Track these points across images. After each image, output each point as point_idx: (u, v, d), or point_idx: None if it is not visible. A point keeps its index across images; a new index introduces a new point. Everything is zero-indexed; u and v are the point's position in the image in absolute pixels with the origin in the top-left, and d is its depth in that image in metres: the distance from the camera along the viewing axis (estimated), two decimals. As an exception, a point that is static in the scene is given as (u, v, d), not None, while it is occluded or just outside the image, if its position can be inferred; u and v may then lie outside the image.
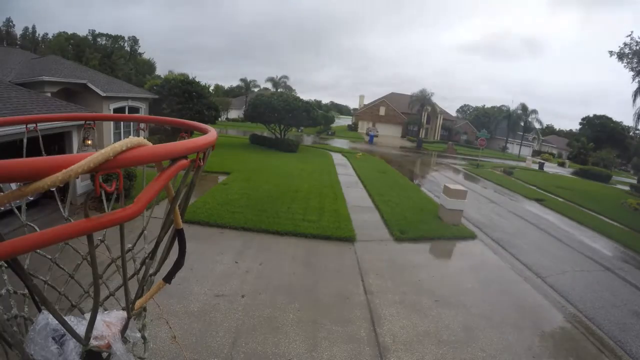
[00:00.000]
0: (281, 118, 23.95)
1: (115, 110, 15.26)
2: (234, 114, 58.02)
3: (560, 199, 18.16)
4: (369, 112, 55.21)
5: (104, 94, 13.95)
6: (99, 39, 56.57)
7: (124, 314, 1.34)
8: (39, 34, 65.56)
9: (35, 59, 16.77)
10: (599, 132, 50.96)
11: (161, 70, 66.51)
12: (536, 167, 33.54)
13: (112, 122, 14.43)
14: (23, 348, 1.14)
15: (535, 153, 51.10)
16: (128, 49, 60.51)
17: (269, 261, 7.15)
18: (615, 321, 6.47)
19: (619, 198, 21.12)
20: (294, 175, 15.40)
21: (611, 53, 23.37)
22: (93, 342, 1.19)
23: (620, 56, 22.96)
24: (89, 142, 2.05)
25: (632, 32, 22.21)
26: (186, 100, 21.57)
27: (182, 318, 5.05)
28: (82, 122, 2.00)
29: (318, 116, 27.15)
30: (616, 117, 53.52)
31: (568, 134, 65.90)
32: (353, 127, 58.40)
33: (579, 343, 5.70)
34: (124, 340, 1.35)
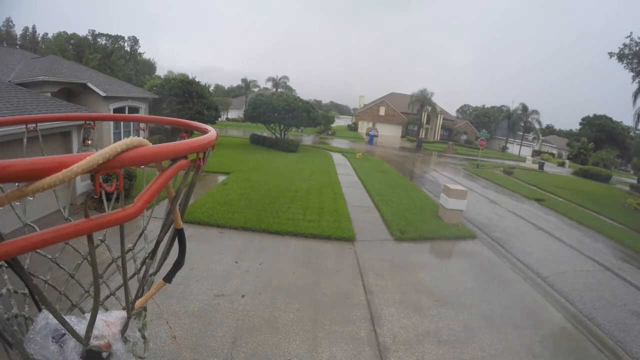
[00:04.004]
0: (281, 118, 23.97)
1: (115, 110, 15.27)
2: (234, 114, 58.06)
3: (560, 199, 18.15)
4: (369, 112, 55.25)
5: (104, 94, 13.96)
6: (99, 39, 56.60)
7: (124, 313, 1.34)
8: (39, 34, 65.70)
9: (35, 59, 16.78)
10: (599, 132, 50.99)
11: (161, 70, 66.60)
12: (536, 167, 33.54)
13: (112, 122, 14.44)
14: (23, 347, 1.14)
15: (535, 153, 51.10)
16: (128, 49, 60.54)
17: (269, 261, 7.15)
18: (615, 321, 6.47)
19: (619, 198, 21.13)
20: (294, 175, 15.40)
21: (611, 54, 23.40)
22: (93, 342, 1.19)
23: (620, 57, 22.99)
24: (89, 142, 2.05)
25: (631, 32, 22.25)
26: (186, 100, 21.59)
27: (182, 318, 5.05)
28: (82, 122, 2.01)
29: (318, 116, 27.17)
30: (616, 117, 53.54)
31: (568, 134, 65.91)
32: (353, 127, 58.41)
33: (579, 343, 5.70)
34: (124, 339, 1.35)
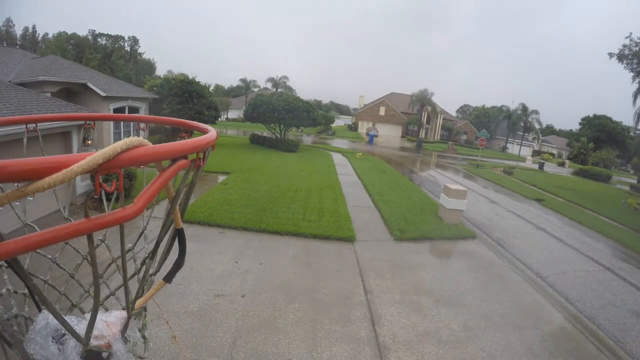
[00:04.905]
0: (281, 118, 23.97)
1: (115, 110, 15.27)
2: (234, 114, 58.05)
3: (560, 199, 18.15)
4: (369, 112, 55.25)
5: (104, 94, 13.96)
6: (99, 39, 56.55)
7: (124, 313, 1.34)
8: (39, 34, 65.70)
9: (35, 59, 16.78)
10: (599, 132, 50.95)
11: (161, 70, 66.68)
12: (536, 167, 33.54)
13: (112, 122, 14.45)
14: (23, 348, 1.14)
15: (535, 153, 51.11)
16: (128, 49, 60.49)
17: (269, 261, 7.15)
18: (615, 321, 6.47)
19: (619, 198, 21.13)
20: (294, 175, 15.40)
21: (611, 55, 23.41)
22: (93, 342, 1.19)
23: (620, 57, 22.99)
24: (89, 142, 2.05)
25: (631, 33, 22.26)
26: (186, 100, 21.59)
27: (182, 318, 5.05)
28: (82, 122, 2.01)
29: (318, 116, 27.17)
30: (616, 117, 53.47)
31: (568, 134, 65.88)
32: (353, 127, 58.42)
33: (579, 343, 5.70)
34: (124, 339, 1.35)
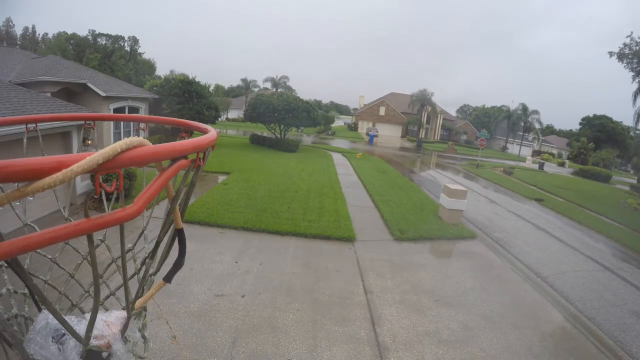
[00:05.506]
0: (281, 118, 23.97)
1: (115, 110, 15.26)
2: (234, 114, 58.07)
3: (560, 199, 18.15)
4: (369, 112, 55.25)
5: (104, 94, 13.95)
6: (99, 39, 56.52)
7: (124, 313, 1.34)
8: (39, 34, 65.74)
9: (35, 59, 16.76)
10: (599, 132, 50.92)
11: (161, 70, 66.65)
12: (536, 167, 33.53)
13: (112, 122, 14.45)
14: (23, 348, 1.14)
15: (535, 153, 51.07)
16: (128, 49, 60.45)
17: (269, 261, 7.15)
18: (615, 321, 6.47)
19: (619, 198, 21.11)
20: (294, 175, 15.40)
21: (611, 54, 23.40)
22: (93, 342, 1.19)
23: (620, 57, 22.97)
24: (89, 142, 2.05)
25: (631, 32, 22.24)
26: (186, 100, 21.59)
27: (182, 318, 5.05)
28: (82, 122, 2.01)
29: (318, 116, 27.16)
30: (616, 117, 53.43)
31: (568, 134, 65.82)
32: (353, 127, 58.42)
33: (579, 343, 5.70)
34: (124, 339, 1.35)
